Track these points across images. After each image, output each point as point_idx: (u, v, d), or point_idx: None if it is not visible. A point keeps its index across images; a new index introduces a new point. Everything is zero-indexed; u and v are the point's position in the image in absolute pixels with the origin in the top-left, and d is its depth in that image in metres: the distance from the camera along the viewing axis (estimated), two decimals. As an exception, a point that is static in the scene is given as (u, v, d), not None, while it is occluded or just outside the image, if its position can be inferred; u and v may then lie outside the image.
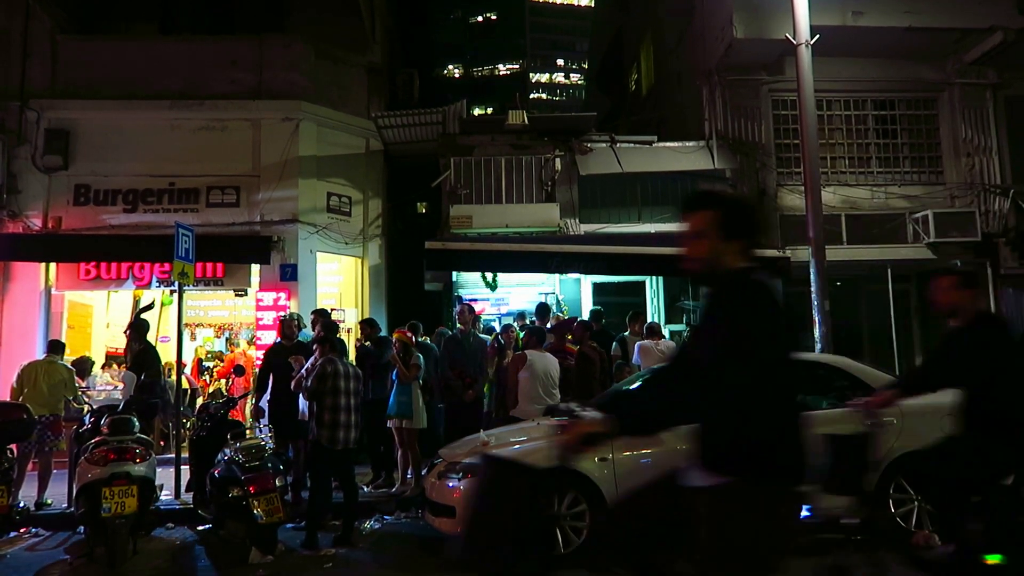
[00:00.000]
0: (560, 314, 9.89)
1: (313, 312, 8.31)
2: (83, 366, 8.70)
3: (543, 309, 8.82)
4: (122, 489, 5.47)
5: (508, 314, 10.99)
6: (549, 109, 60.73)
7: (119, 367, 10.09)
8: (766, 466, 2.11)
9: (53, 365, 7.48)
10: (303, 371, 6.79)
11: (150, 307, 8.98)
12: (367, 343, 8.01)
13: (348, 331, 10.76)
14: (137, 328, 7.98)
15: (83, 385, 8.60)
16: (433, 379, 7.97)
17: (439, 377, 8.01)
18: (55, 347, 7.71)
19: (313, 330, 7.48)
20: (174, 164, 10.18)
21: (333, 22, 11.23)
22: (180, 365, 7.78)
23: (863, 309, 11.71)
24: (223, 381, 10.61)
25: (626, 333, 8.72)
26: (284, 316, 8.08)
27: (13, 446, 6.43)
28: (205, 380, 11.10)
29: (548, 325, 8.25)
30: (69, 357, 9.14)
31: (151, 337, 9.23)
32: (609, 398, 4.67)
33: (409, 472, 7.48)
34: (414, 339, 7.84)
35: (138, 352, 7.96)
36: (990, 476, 3.54)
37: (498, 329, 9.03)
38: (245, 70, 10.51)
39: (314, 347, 7.17)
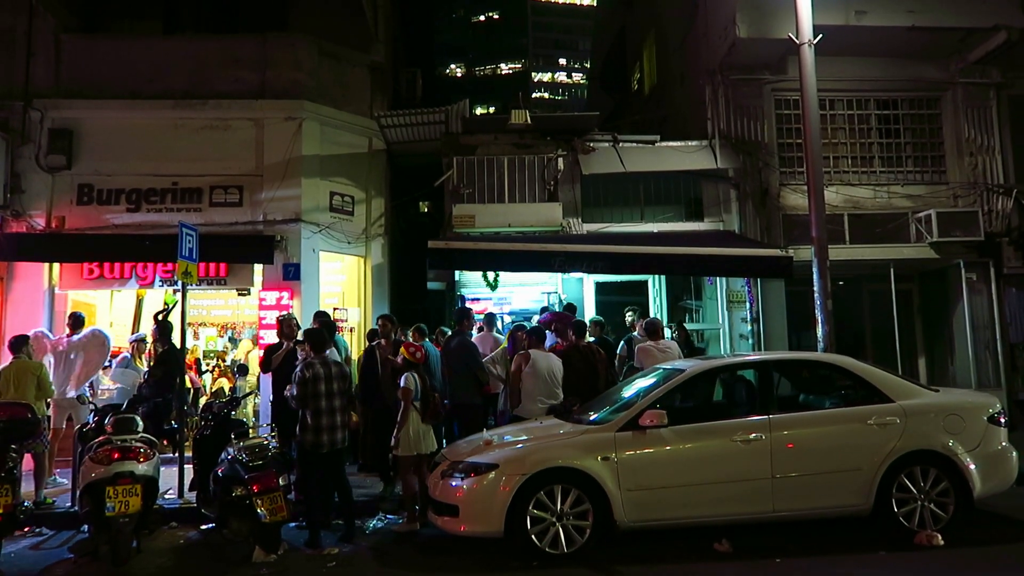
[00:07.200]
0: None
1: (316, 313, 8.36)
2: (77, 319, 8.37)
3: (570, 310, 8.86)
4: (126, 488, 5.49)
5: (511, 313, 11.00)
6: (551, 108, 60.88)
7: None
8: None
9: (22, 366, 7.18)
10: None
11: (171, 308, 9.02)
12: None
13: (351, 330, 10.78)
14: (162, 329, 8.06)
15: (75, 338, 8.22)
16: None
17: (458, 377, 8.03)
18: (15, 345, 7.27)
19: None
20: (177, 163, 10.18)
21: (336, 21, 11.21)
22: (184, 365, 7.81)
23: (866, 309, 11.72)
24: (223, 380, 10.59)
25: (634, 333, 8.70)
26: (282, 316, 8.06)
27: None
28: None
29: (537, 321, 8.26)
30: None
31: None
32: None
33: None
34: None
35: (162, 353, 8.06)
36: None
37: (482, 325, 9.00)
38: (248, 69, 10.50)
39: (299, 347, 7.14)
